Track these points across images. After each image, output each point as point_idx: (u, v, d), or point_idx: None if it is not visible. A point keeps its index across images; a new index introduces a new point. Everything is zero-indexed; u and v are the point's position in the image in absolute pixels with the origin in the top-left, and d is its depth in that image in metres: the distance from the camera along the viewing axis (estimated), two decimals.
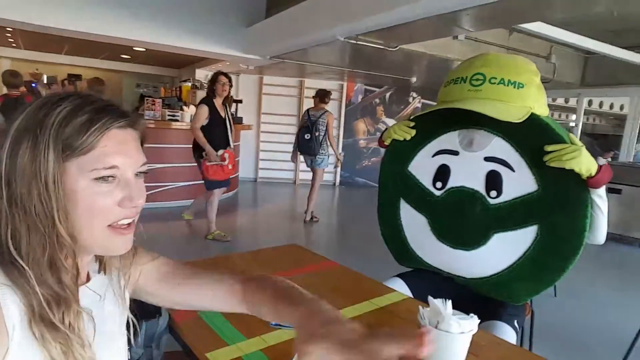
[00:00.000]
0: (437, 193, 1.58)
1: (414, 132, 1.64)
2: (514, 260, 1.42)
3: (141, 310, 0.80)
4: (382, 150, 1.82)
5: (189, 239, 4.17)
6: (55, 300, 0.54)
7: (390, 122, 7.59)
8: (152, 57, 8.35)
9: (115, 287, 0.72)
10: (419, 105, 7.78)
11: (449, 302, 0.87)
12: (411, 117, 1.66)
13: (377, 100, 7.80)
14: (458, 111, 1.38)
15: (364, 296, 1.24)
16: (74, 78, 7.82)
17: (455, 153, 1.54)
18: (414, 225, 1.68)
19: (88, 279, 0.67)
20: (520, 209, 1.39)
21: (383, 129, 1.85)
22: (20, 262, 0.54)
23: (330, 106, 7.49)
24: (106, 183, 0.58)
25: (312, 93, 7.33)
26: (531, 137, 1.35)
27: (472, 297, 1.56)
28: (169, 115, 4.88)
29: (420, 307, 0.89)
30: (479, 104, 1.36)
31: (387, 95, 7.79)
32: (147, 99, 4.85)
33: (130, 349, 0.96)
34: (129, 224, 0.63)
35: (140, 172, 0.63)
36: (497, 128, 1.42)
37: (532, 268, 1.39)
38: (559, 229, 1.33)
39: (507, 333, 1.35)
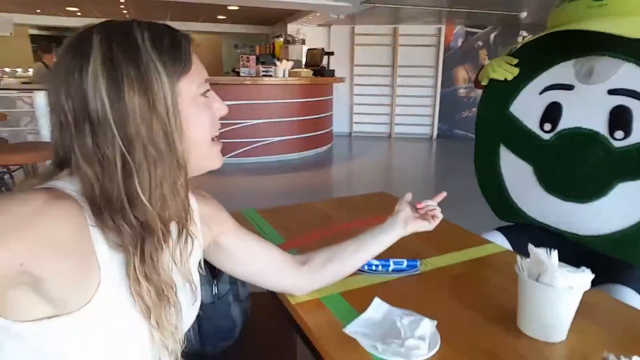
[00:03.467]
0: (546, 136, 1.36)
1: (517, 70, 1.42)
2: None
3: None
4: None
5: (287, 190, 4.32)
6: (154, 237, 0.54)
7: None
8: (246, 16, 8.55)
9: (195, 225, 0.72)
10: None
11: (555, 253, 0.74)
12: (512, 51, 1.43)
13: (480, 43, 7.07)
14: (573, 36, 1.15)
15: (458, 246, 1.14)
16: None
17: (570, 87, 1.29)
18: (517, 175, 1.48)
19: None
20: None
21: None
22: (146, 202, 0.53)
23: (426, 53, 7.10)
24: (205, 97, 0.61)
25: (407, 41, 6.98)
26: None
27: (586, 255, 1.36)
28: (262, 71, 4.98)
29: (518, 257, 0.77)
30: (600, 22, 1.12)
31: (492, 36, 7.01)
32: (241, 57, 4.99)
33: (217, 285, 1.01)
34: None
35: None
36: (627, 51, 1.16)
37: None
38: None
39: (631, 298, 1.15)
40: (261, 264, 0.82)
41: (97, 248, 0.52)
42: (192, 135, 0.58)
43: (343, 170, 5.53)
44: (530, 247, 0.75)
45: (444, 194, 0.96)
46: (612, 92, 1.20)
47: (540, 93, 1.38)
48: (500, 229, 1.50)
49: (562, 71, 1.32)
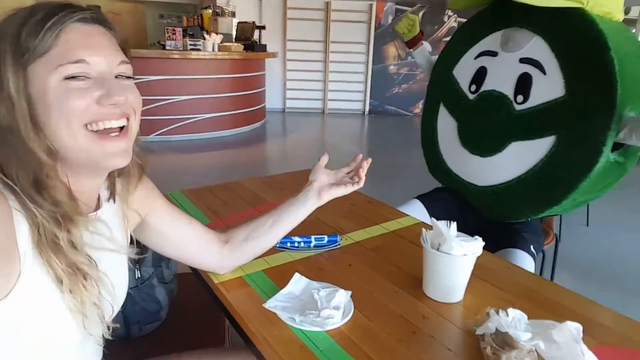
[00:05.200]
0: (471, 97, 1.56)
1: (413, 24, 1.82)
2: (525, 170, 1.38)
3: None
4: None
5: (212, 168, 4.25)
6: (54, 220, 0.54)
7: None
8: None
9: (122, 211, 0.72)
10: (455, 24, 7.21)
11: (454, 224, 0.82)
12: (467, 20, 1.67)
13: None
14: (504, 10, 1.36)
15: (376, 220, 1.22)
16: None
17: (494, 54, 1.49)
18: (446, 130, 1.68)
19: (98, 207, 0.67)
20: (542, 116, 1.32)
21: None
22: (14, 186, 0.53)
23: (358, 29, 7.17)
24: (79, 81, 0.55)
25: (340, 16, 6.99)
26: (568, 35, 1.28)
27: (488, 224, 1.54)
28: (190, 44, 4.77)
29: (423, 229, 0.85)
30: None
31: (420, 14, 7.23)
32: (167, 29, 4.72)
33: (139, 268, 1.00)
34: (120, 129, 0.60)
35: (123, 75, 0.60)
36: (539, 26, 1.34)
37: (540, 181, 1.35)
38: (577, 139, 1.26)
39: (523, 259, 1.32)
40: (188, 243, 0.83)
41: (18, 237, 0.52)
42: (56, 123, 0.54)
43: (276, 147, 5.52)
44: (433, 220, 0.84)
45: (359, 157, 0.94)
46: (522, 60, 1.38)
47: (475, 58, 1.54)
48: (419, 197, 1.65)
49: (493, 39, 1.50)
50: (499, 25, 1.48)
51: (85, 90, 0.55)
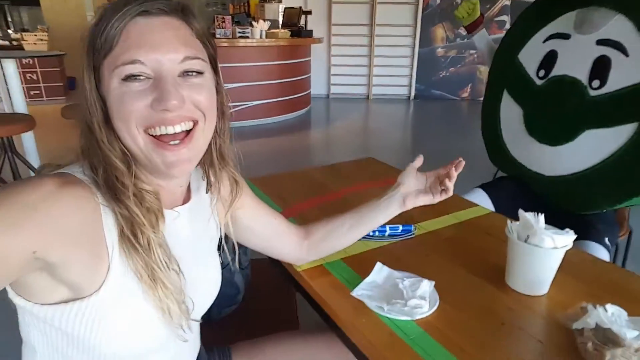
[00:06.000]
0: (539, 82, 1.48)
1: (474, 7, 1.74)
2: (600, 160, 1.30)
3: None
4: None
5: (266, 155, 4.32)
6: (134, 218, 0.54)
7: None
8: None
9: (215, 207, 0.73)
10: (508, 3, 6.86)
11: (542, 216, 0.80)
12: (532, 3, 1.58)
13: (459, 1, 7.00)
14: None
15: (447, 210, 1.20)
16: None
17: (567, 37, 1.39)
18: (510, 117, 1.62)
19: (188, 198, 0.68)
20: (622, 102, 1.24)
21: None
22: (98, 181, 0.54)
23: (405, 11, 6.98)
24: (137, 82, 0.52)
25: None
26: None
27: (558, 215, 1.48)
28: (239, 32, 4.83)
29: (509, 221, 0.84)
30: None
31: None
32: (216, 17, 4.79)
33: (220, 254, 1.05)
34: (187, 133, 0.56)
35: (192, 71, 0.55)
36: (622, 3, 1.25)
37: (618, 170, 1.27)
38: None
39: (598, 251, 1.26)
40: (273, 237, 0.86)
41: (106, 232, 0.53)
42: (118, 124, 0.54)
43: (322, 134, 5.53)
44: (521, 212, 0.82)
45: (457, 161, 0.82)
46: (599, 42, 1.29)
47: (544, 42, 1.47)
48: (482, 186, 1.61)
49: (564, 21, 1.41)
50: (572, 5, 1.39)
51: (140, 93, 0.52)
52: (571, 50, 1.37)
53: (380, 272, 0.86)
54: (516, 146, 1.59)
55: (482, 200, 1.54)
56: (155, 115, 0.53)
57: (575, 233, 1.37)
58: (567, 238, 0.78)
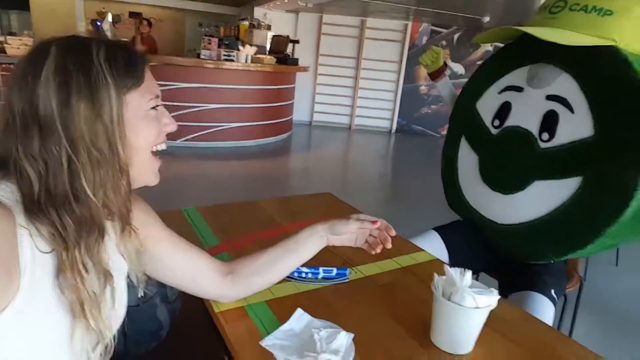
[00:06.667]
0: (494, 131, 1.50)
1: (437, 56, 1.79)
2: (548, 211, 1.30)
3: None
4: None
5: (235, 177, 4.28)
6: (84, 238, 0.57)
7: (456, 66, 7.05)
8: None
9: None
10: (491, 48, 7.10)
11: (468, 273, 0.78)
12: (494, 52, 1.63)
13: (444, 43, 7.22)
14: (531, 45, 1.31)
15: (389, 254, 1.17)
16: (134, 16, 7.94)
17: (520, 90, 1.43)
18: (467, 163, 1.63)
19: None
20: (568, 156, 1.26)
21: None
22: (91, 197, 0.56)
23: (392, 48, 7.16)
24: (155, 110, 0.66)
25: (374, 34, 7.01)
26: (599, 74, 1.21)
27: (507, 262, 1.47)
28: (224, 55, 4.86)
29: (435, 275, 0.81)
30: (542, 30, 1.23)
31: (455, 37, 7.17)
32: (203, 38, 4.83)
33: (147, 289, 0.99)
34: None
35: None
36: (568, 63, 1.28)
37: (564, 223, 1.27)
38: (606, 182, 1.18)
39: (542, 304, 1.24)
40: (187, 271, 0.82)
41: (20, 252, 0.52)
42: (135, 143, 0.63)
43: (300, 160, 5.52)
44: (446, 267, 0.79)
45: (377, 224, 0.91)
46: (549, 97, 1.33)
47: (499, 93, 1.50)
48: (436, 229, 1.59)
49: (518, 74, 1.45)
50: (526, 61, 1.43)
51: (158, 119, 0.67)
52: (524, 103, 1.40)
53: (299, 319, 0.82)
54: (471, 192, 1.60)
55: (434, 243, 1.52)
56: (162, 135, 0.69)
57: (523, 282, 1.37)
58: (490, 298, 0.76)
